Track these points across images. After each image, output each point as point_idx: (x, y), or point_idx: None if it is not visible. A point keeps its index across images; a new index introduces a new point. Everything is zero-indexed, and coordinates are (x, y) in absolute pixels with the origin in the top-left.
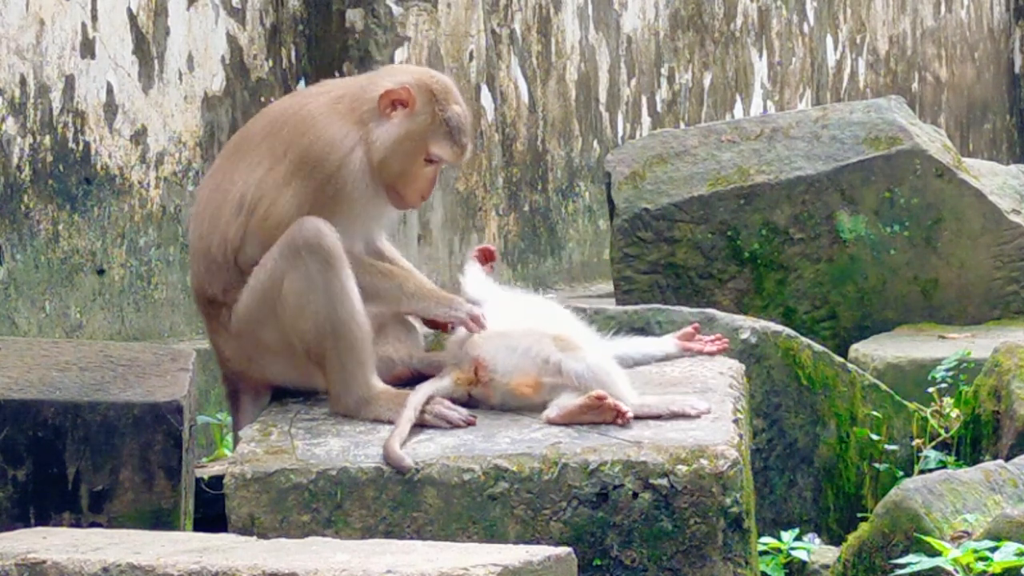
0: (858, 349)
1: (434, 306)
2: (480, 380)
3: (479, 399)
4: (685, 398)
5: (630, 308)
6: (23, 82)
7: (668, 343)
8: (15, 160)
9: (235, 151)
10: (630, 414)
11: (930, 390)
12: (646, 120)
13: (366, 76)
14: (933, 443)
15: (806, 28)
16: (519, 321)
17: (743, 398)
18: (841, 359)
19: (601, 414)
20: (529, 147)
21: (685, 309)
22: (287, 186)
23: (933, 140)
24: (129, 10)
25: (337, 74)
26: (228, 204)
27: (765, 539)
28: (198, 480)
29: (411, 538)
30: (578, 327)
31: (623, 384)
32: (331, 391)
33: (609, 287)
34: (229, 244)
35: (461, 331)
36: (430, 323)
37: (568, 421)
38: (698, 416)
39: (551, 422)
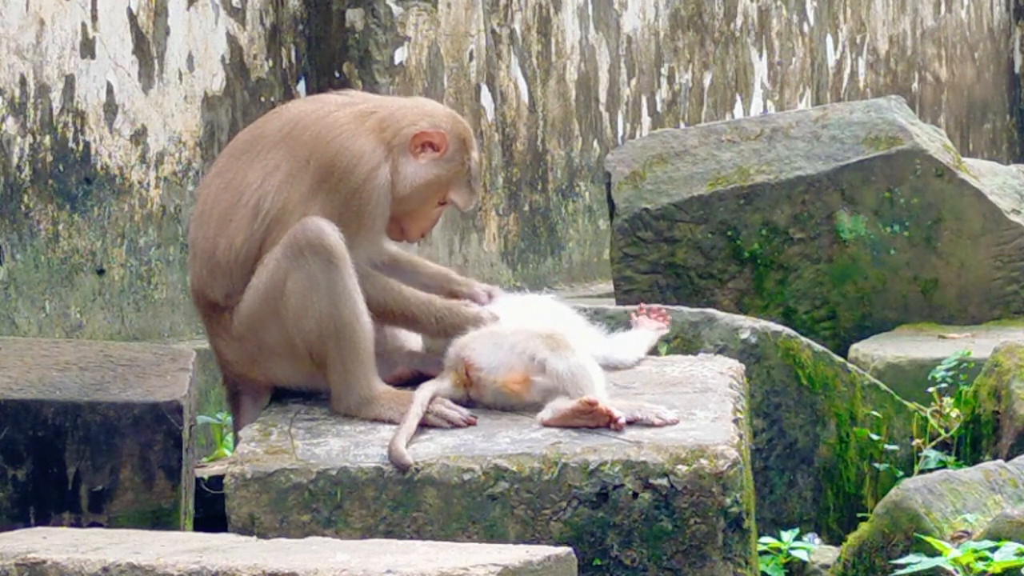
0: (858, 349)
1: (450, 328)
2: (470, 380)
3: (475, 400)
4: (653, 407)
5: (630, 308)
6: (23, 82)
7: (643, 335)
8: (15, 160)
9: (247, 150)
10: (622, 420)
11: (930, 390)
12: (646, 120)
13: (396, 102)
14: (933, 443)
15: (806, 28)
16: (513, 320)
17: (743, 398)
18: (841, 359)
19: (594, 419)
20: (529, 147)
21: (685, 309)
22: (314, 199)
23: (933, 140)
24: (129, 10)
25: (337, 74)
26: (241, 207)
27: (765, 539)
28: (198, 480)
29: (411, 538)
30: (576, 326)
31: (599, 387)
32: (333, 391)
33: (609, 287)
34: (238, 250)
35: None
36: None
37: (561, 424)
38: (662, 426)
39: (545, 424)
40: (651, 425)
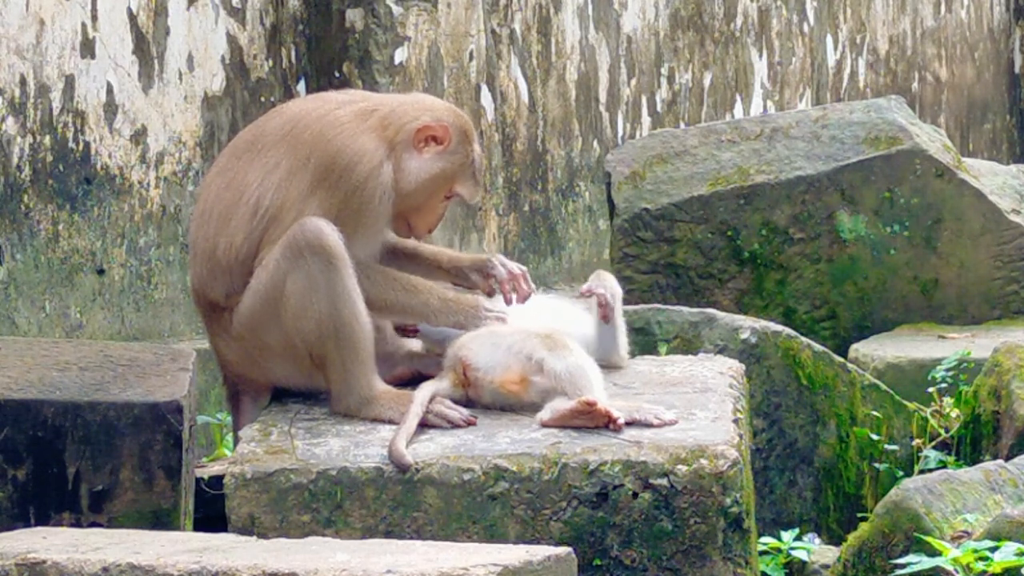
0: (858, 349)
1: (463, 319)
2: (468, 380)
3: (474, 400)
4: (652, 407)
5: (630, 308)
6: (23, 82)
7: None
8: (15, 160)
9: (248, 149)
10: (622, 420)
11: (930, 390)
12: (646, 120)
13: (396, 99)
14: (933, 443)
15: (806, 28)
16: (512, 320)
17: (743, 398)
18: (841, 359)
19: (593, 419)
20: (529, 147)
21: (685, 309)
22: (311, 196)
23: (933, 140)
24: (129, 10)
25: (337, 74)
26: (242, 207)
27: (765, 539)
28: (198, 480)
29: (411, 538)
30: (577, 324)
31: (597, 387)
32: (332, 391)
33: None
34: (238, 249)
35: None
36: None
37: (560, 424)
38: (661, 426)
39: (544, 424)
40: (650, 425)
